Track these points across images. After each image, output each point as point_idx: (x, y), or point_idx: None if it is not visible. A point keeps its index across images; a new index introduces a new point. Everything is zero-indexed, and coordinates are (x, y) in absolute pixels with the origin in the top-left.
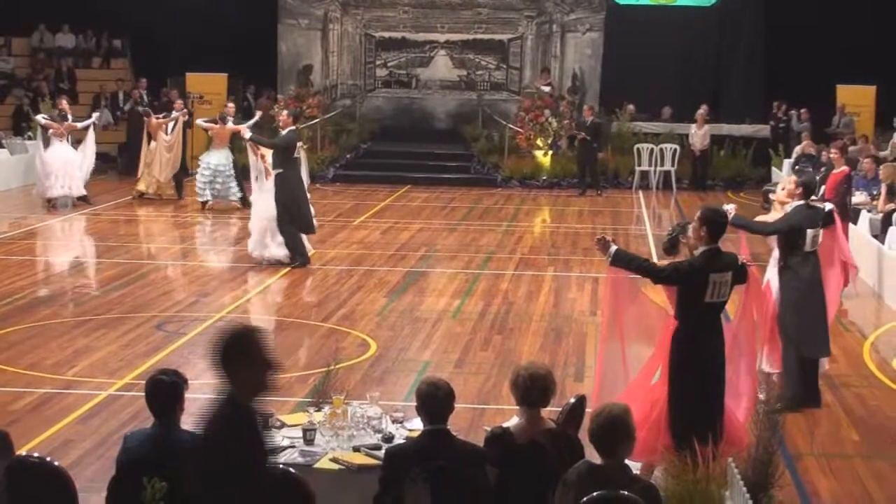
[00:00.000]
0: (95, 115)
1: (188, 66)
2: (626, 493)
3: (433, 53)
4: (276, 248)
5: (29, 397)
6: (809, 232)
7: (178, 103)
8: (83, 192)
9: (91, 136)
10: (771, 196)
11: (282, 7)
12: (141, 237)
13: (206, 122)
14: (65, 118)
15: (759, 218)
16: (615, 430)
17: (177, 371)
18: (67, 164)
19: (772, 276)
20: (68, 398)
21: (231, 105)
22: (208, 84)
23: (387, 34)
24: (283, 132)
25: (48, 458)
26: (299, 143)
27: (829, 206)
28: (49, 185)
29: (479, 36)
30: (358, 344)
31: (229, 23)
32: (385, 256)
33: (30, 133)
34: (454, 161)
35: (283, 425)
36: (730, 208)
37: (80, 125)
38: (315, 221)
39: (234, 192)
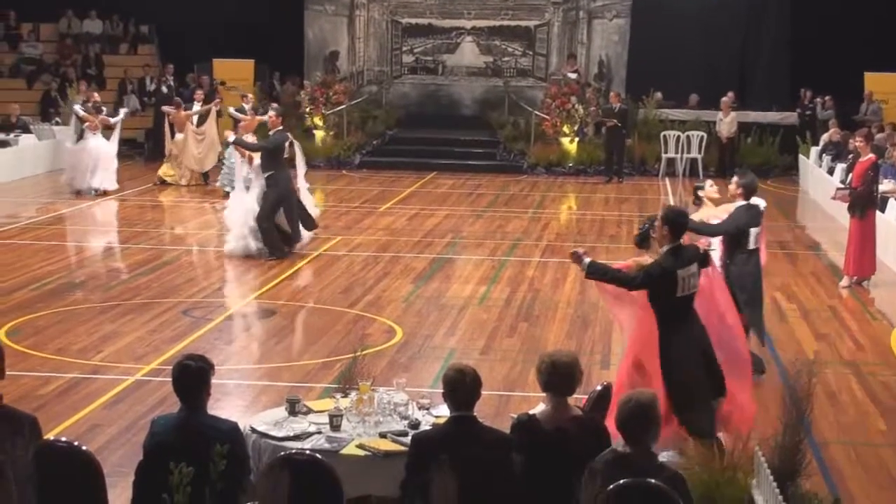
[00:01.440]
0: (123, 111)
1: (215, 53)
2: (652, 480)
3: (460, 40)
4: (255, 242)
5: (56, 382)
6: (753, 230)
7: (199, 93)
8: (115, 185)
9: (118, 130)
10: (699, 193)
11: None
12: (167, 223)
13: (236, 111)
14: (99, 111)
15: (694, 216)
16: (642, 417)
17: (203, 356)
18: (103, 158)
19: None
20: (95, 383)
21: (250, 95)
22: (235, 70)
23: (413, 20)
24: (271, 133)
25: (76, 443)
26: (288, 143)
27: (762, 203)
28: (78, 176)
29: (506, 22)
30: (384, 330)
31: (256, 9)
32: (411, 243)
33: (57, 119)
34: (480, 148)
35: (309, 411)
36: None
37: (112, 120)
38: (314, 217)
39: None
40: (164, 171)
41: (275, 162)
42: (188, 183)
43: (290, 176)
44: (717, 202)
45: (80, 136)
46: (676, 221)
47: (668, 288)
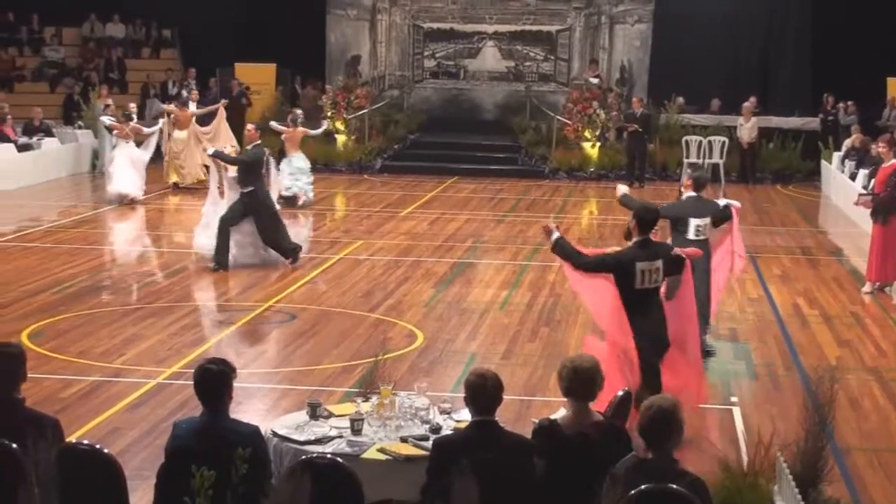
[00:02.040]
0: (162, 121)
1: (237, 57)
2: (673, 486)
3: (481, 44)
4: (207, 240)
5: (78, 385)
6: (693, 221)
7: (195, 93)
8: (140, 194)
9: (154, 139)
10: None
11: None
12: (189, 226)
13: (279, 125)
14: (129, 118)
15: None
16: (664, 423)
17: (225, 360)
18: (131, 165)
19: None
20: (117, 386)
21: (299, 111)
22: (257, 74)
23: (435, 25)
24: (249, 147)
25: (98, 446)
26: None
27: (728, 202)
28: (111, 184)
29: (528, 27)
30: (405, 334)
31: (278, 13)
32: (432, 247)
33: (80, 122)
34: (502, 152)
35: (330, 415)
36: (622, 188)
37: (146, 130)
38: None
39: (304, 188)
40: (172, 175)
41: (253, 176)
42: (193, 183)
43: (267, 191)
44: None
45: (114, 144)
46: (644, 217)
47: (626, 278)
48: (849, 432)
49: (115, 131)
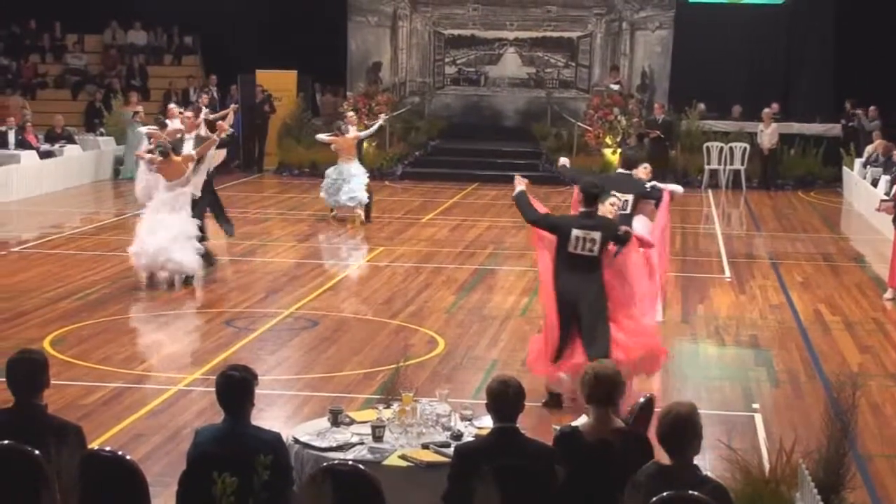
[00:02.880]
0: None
1: (258, 63)
2: (695, 493)
3: (502, 51)
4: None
5: (100, 392)
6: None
7: (204, 98)
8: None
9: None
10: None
11: (351, 4)
12: (210, 233)
13: (327, 136)
14: (164, 125)
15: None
16: (683, 429)
17: (247, 367)
18: None
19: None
20: (139, 393)
21: (351, 114)
22: (278, 81)
23: (456, 32)
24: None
25: (120, 452)
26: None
27: (658, 185)
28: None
29: (549, 34)
30: (426, 341)
31: (299, 20)
32: (453, 254)
33: (102, 129)
34: (523, 159)
35: (352, 422)
36: (563, 159)
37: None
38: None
39: (362, 201)
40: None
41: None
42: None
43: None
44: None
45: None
46: (589, 192)
47: (561, 240)
48: (871, 439)
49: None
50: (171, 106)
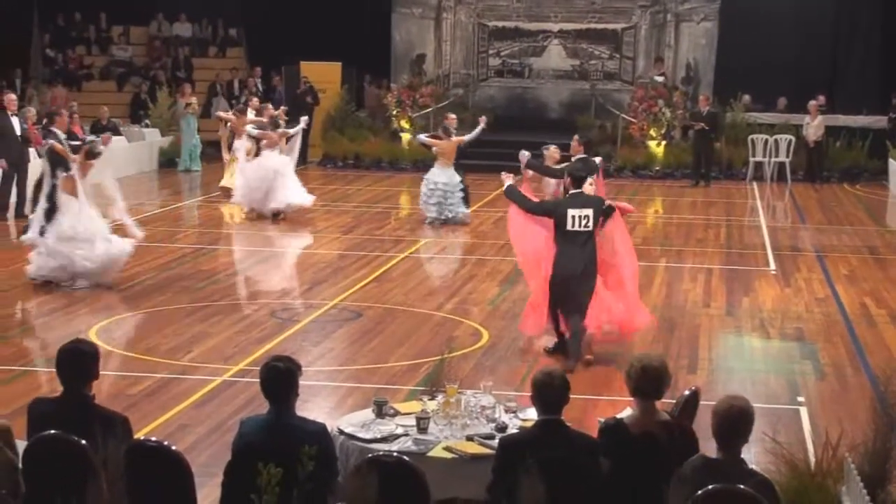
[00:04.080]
0: (304, 119)
1: (302, 55)
2: (741, 486)
3: (546, 43)
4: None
5: (146, 382)
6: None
7: (254, 101)
8: (307, 198)
9: (297, 142)
10: (545, 152)
11: None
12: (257, 225)
13: (427, 137)
14: (276, 125)
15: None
16: (738, 424)
17: (291, 358)
18: (283, 176)
19: None
20: (184, 383)
21: (453, 116)
22: (322, 73)
23: (500, 23)
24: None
25: (165, 443)
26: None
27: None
28: (256, 198)
29: (593, 25)
30: (470, 333)
31: (344, 12)
32: (497, 246)
33: (147, 121)
34: (567, 151)
35: (396, 413)
36: (523, 154)
37: (291, 132)
38: None
39: (462, 210)
40: (228, 181)
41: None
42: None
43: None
44: (557, 162)
45: (256, 153)
46: (576, 175)
47: (559, 220)
48: None
49: (263, 141)
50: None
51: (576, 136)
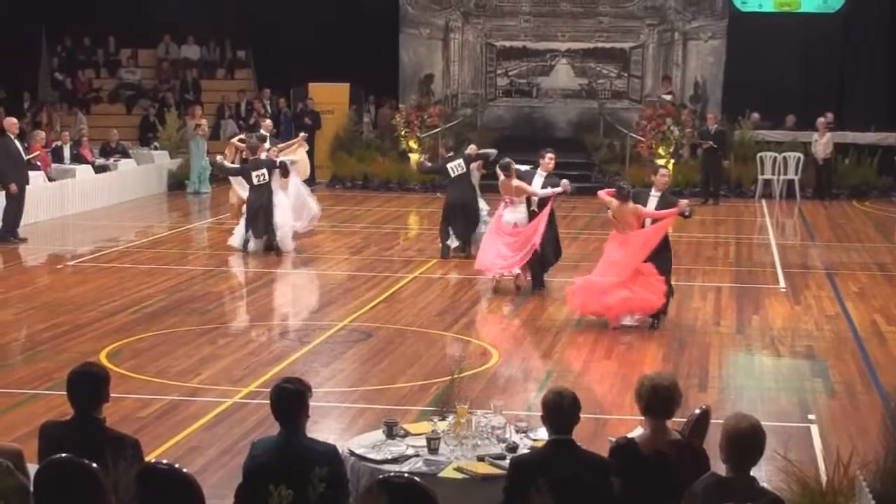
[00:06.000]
0: (302, 134)
1: (311, 77)
2: None
3: (554, 62)
4: None
5: (156, 404)
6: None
7: (267, 123)
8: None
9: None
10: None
11: (403, 17)
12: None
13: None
14: (263, 139)
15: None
16: (749, 443)
17: (301, 379)
18: (300, 194)
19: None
20: (194, 405)
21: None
22: (330, 94)
23: (507, 43)
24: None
25: (176, 465)
26: None
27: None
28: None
29: (601, 44)
30: (480, 353)
31: (351, 33)
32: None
33: (156, 143)
34: (575, 170)
35: (407, 434)
36: (565, 183)
37: (285, 147)
38: None
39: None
40: (237, 202)
41: None
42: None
43: None
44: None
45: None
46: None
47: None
48: None
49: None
50: (267, 122)
51: (550, 153)
